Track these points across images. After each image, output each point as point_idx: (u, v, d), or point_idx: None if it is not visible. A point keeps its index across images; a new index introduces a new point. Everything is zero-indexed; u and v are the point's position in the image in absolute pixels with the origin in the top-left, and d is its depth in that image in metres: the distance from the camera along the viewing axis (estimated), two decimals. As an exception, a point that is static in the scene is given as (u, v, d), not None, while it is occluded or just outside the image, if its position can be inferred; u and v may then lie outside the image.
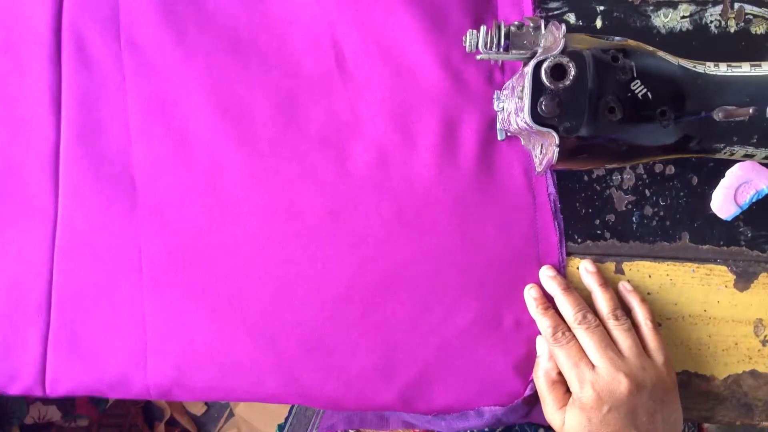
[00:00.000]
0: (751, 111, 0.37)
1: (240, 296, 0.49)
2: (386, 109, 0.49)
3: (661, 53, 0.41)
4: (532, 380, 0.48)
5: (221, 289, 0.49)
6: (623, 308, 0.46)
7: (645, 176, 0.49)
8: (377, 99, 0.49)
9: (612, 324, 0.45)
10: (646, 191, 0.49)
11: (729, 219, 0.48)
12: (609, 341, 0.44)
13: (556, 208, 0.49)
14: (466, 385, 0.48)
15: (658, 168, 0.49)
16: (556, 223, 0.49)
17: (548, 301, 0.47)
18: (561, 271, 0.48)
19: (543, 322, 0.46)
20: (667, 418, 0.44)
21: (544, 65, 0.37)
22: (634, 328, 0.46)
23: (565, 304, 0.46)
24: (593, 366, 0.43)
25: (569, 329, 0.45)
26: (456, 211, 0.48)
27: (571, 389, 0.44)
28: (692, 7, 0.48)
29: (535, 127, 0.38)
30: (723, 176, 0.47)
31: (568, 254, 0.49)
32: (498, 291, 0.49)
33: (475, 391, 0.48)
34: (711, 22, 0.48)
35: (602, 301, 0.46)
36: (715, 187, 0.48)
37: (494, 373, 0.48)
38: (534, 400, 0.48)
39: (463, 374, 0.48)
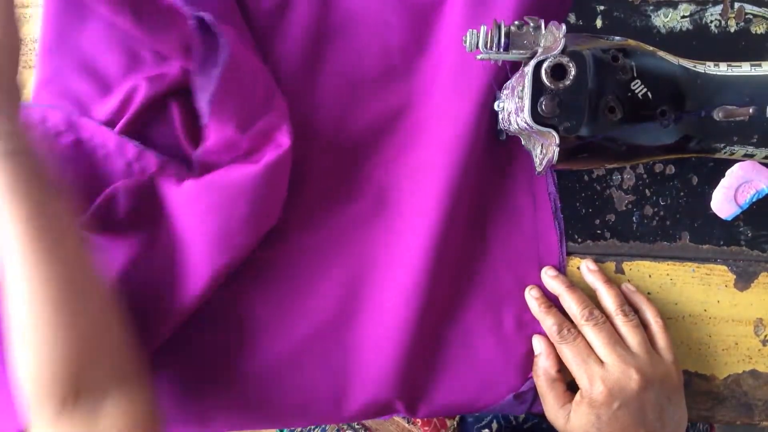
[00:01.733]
0: (751, 111, 0.37)
1: None
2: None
3: (661, 53, 0.41)
4: (530, 377, 0.48)
5: None
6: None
7: (645, 176, 0.49)
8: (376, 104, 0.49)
9: (620, 320, 0.45)
10: (646, 191, 0.49)
11: (729, 219, 0.48)
12: (617, 337, 0.44)
13: (557, 207, 0.49)
14: (468, 386, 0.48)
15: (658, 168, 0.49)
16: (557, 223, 0.49)
17: (550, 300, 0.47)
18: (561, 270, 0.48)
19: (547, 320, 0.46)
20: (673, 416, 0.44)
21: (544, 65, 0.37)
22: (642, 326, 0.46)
23: (571, 302, 0.46)
24: (602, 362, 0.43)
25: (574, 326, 0.45)
26: (457, 212, 0.48)
27: (580, 386, 0.44)
28: (692, 7, 0.48)
29: (535, 127, 0.38)
30: (723, 176, 0.47)
31: (568, 254, 0.49)
32: (499, 290, 0.49)
33: (475, 391, 0.48)
34: (711, 21, 0.48)
35: (608, 298, 0.46)
36: (715, 187, 0.48)
37: (495, 373, 0.48)
38: (535, 395, 0.48)
39: (465, 375, 0.48)
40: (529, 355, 0.48)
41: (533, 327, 0.48)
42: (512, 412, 0.50)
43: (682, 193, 0.49)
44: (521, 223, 0.49)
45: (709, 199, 0.48)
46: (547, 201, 0.48)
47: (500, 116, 0.46)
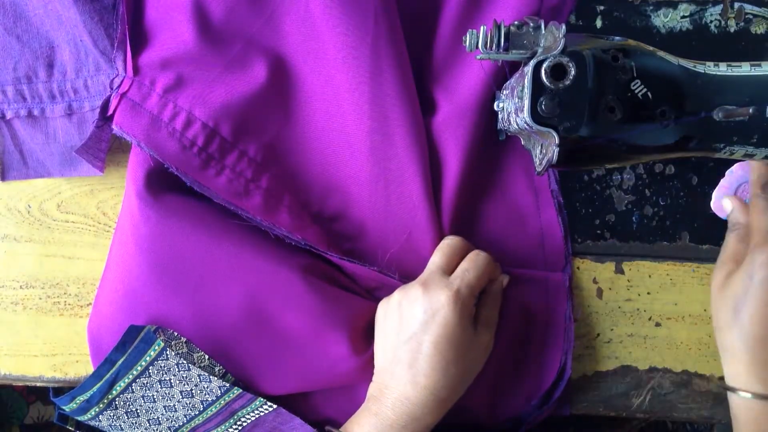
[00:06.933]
0: (751, 111, 0.37)
1: None
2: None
3: (661, 53, 0.41)
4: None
5: None
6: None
7: (645, 176, 0.49)
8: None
9: None
10: (646, 191, 0.49)
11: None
12: None
13: (560, 205, 0.48)
14: (482, 398, 0.48)
15: (658, 168, 0.49)
16: (560, 220, 0.48)
17: None
18: (565, 268, 0.48)
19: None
20: None
21: (544, 65, 0.37)
22: None
23: None
24: None
25: None
26: (459, 214, 0.48)
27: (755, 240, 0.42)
28: (692, 7, 0.48)
29: (535, 127, 0.38)
30: (723, 176, 0.47)
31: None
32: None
33: (489, 405, 0.48)
34: (711, 21, 0.48)
35: None
36: (715, 187, 0.48)
37: (510, 382, 0.48)
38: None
39: (479, 386, 0.48)
40: (542, 356, 0.48)
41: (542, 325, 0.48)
42: (532, 419, 0.49)
43: (682, 193, 0.49)
44: (524, 222, 0.49)
45: (709, 199, 0.48)
46: (549, 199, 0.48)
47: (500, 116, 0.46)
